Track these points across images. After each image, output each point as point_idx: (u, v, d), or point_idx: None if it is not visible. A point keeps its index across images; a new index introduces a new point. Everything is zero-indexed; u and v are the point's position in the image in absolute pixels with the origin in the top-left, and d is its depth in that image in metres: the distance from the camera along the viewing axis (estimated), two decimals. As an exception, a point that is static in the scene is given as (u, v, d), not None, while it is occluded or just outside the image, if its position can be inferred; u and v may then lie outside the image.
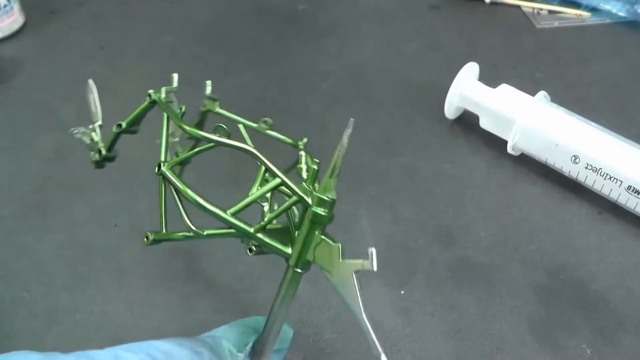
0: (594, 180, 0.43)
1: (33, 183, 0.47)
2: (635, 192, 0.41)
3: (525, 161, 0.47)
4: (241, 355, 0.27)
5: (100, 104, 0.33)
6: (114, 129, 0.31)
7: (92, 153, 0.33)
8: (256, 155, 0.25)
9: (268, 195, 0.28)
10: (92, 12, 0.69)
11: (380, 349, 0.24)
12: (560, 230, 0.43)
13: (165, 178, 0.26)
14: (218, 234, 0.26)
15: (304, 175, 0.31)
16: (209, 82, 0.34)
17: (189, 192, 0.25)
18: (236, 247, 0.42)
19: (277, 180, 0.25)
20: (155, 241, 0.26)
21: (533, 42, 0.62)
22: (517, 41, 0.62)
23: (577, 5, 0.66)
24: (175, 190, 0.26)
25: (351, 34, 0.64)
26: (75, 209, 0.45)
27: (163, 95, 0.30)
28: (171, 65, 0.61)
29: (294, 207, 0.26)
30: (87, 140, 0.33)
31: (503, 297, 0.38)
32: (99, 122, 0.33)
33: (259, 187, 0.27)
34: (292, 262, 0.26)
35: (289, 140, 0.33)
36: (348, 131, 0.26)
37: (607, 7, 0.65)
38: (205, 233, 0.26)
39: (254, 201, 0.26)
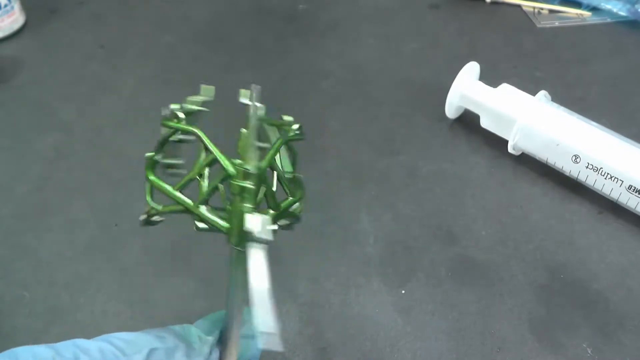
0: (595, 180, 0.43)
1: (33, 182, 0.47)
2: (635, 192, 0.41)
3: (525, 160, 0.47)
4: (210, 338, 0.27)
5: (99, 104, 0.32)
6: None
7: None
8: (196, 133, 0.26)
9: (206, 173, 0.27)
10: (93, 12, 0.69)
11: (271, 325, 0.22)
12: (560, 229, 0.43)
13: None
14: (169, 210, 0.27)
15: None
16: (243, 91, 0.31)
17: (147, 172, 0.27)
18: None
19: (211, 156, 0.26)
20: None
21: (533, 41, 0.62)
22: (518, 40, 0.62)
23: (578, 5, 0.66)
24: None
25: (351, 33, 0.64)
26: (76, 209, 0.45)
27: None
28: (171, 65, 0.61)
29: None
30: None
31: (503, 296, 0.38)
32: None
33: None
34: (232, 239, 0.25)
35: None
36: (254, 95, 0.29)
37: (608, 6, 0.65)
38: (162, 209, 0.28)
39: (193, 177, 0.26)
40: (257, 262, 0.23)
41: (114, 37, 0.65)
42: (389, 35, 0.64)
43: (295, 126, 0.29)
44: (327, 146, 0.50)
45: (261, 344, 0.22)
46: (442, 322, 0.37)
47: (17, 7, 0.65)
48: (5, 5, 0.63)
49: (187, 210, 0.27)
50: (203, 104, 0.31)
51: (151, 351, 0.25)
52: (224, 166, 0.25)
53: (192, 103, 0.30)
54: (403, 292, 0.39)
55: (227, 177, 0.25)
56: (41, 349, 0.23)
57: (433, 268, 0.40)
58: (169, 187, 0.27)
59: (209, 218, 0.26)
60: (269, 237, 0.24)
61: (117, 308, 0.39)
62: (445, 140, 0.50)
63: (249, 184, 0.25)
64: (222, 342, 0.28)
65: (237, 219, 0.25)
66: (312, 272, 0.40)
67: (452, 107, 0.50)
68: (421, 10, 0.68)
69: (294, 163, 0.30)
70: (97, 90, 0.57)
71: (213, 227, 0.26)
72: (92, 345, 0.24)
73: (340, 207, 0.45)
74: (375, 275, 0.40)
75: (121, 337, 0.25)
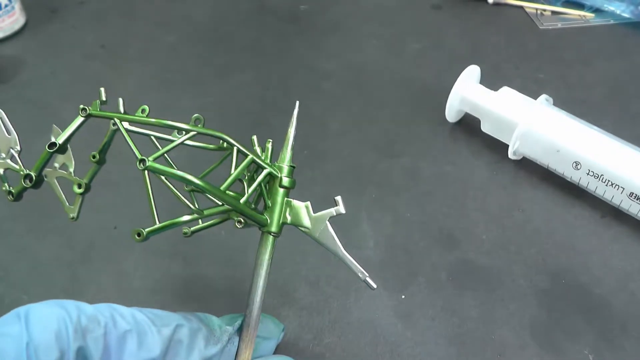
0: (596, 186, 0.43)
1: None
2: (637, 199, 0.41)
3: (526, 164, 0.47)
4: (230, 328, 0.29)
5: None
6: (48, 148, 0.30)
7: (4, 186, 0.31)
8: (227, 139, 0.28)
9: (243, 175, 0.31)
10: (93, 12, 0.69)
11: (364, 272, 0.30)
12: (562, 233, 0.42)
13: (152, 170, 0.26)
14: (214, 212, 0.28)
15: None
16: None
17: (179, 172, 0.26)
18: (236, 250, 0.42)
19: (250, 157, 0.29)
20: (151, 234, 0.27)
21: (536, 43, 0.62)
22: (520, 42, 0.62)
23: (581, 6, 0.66)
24: (165, 179, 0.27)
25: (352, 34, 0.64)
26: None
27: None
28: (172, 65, 0.60)
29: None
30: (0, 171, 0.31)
31: (505, 301, 0.38)
32: (17, 148, 0.32)
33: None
34: (273, 227, 0.29)
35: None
36: (296, 111, 0.34)
37: (611, 8, 0.64)
38: (205, 212, 0.28)
39: (237, 177, 0.28)
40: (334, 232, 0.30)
41: (115, 37, 0.65)
42: (390, 36, 0.63)
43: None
44: (328, 148, 0.50)
45: (370, 284, 0.30)
46: (443, 327, 0.37)
47: (17, 7, 0.64)
48: (6, 5, 0.63)
49: (230, 209, 0.28)
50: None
51: (177, 327, 0.27)
52: (269, 168, 0.29)
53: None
54: (403, 296, 0.39)
55: (268, 175, 0.29)
56: (84, 305, 0.25)
57: (434, 272, 0.40)
58: (212, 187, 0.27)
59: (252, 214, 0.28)
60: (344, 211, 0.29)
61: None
62: (446, 143, 0.50)
63: (292, 179, 0.30)
64: (240, 333, 0.29)
65: (282, 210, 0.30)
66: (311, 276, 0.40)
67: (453, 111, 0.50)
68: (423, 11, 0.67)
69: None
70: (97, 90, 0.57)
71: (250, 222, 0.29)
72: (127, 311, 0.26)
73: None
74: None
75: (152, 311, 0.27)
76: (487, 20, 0.65)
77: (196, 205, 0.28)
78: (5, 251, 0.42)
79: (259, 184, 0.29)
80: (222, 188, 0.27)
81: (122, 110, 0.30)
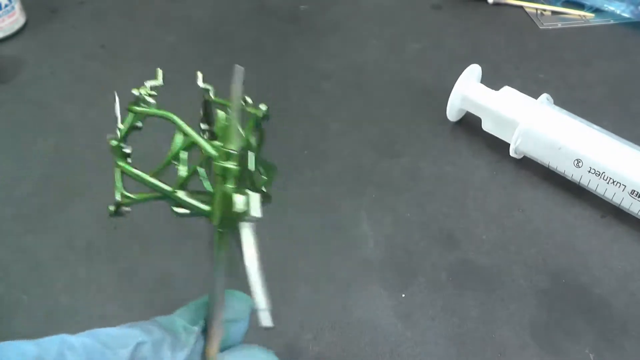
0: (597, 184, 0.43)
1: (33, 183, 0.47)
2: (638, 197, 0.41)
3: (527, 164, 0.47)
4: (196, 328, 0.27)
5: (100, 104, 0.32)
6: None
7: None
8: (171, 117, 0.26)
9: (184, 157, 0.27)
10: (93, 12, 0.69)
11: (263, 303, 0.24)
12: (562, 233, 0.42)
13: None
14: (144, 198, 0.26)
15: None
16: (199, 74, 0.31)
17: (118, 160, 0.26)
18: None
19: (189, 139, 0.26)
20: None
21: (536, 43, 0.61)
22: (520, 42, 0.62)
23: (581, 6, 0.66)
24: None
25: (353, 34, 0.64)
26: (75, 211, 0.45)
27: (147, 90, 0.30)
28: (172, 65, 0.60)
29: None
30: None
31: (505, 301, 0.38)
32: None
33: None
34: (214, 220, 0.25)
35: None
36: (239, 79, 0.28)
37: (611, 8, 0.64)
38: (135, 197, 0.26)
39: (169, 161, 0.26)
40: (249, 241, 0.24)
41: (115, 37, 0.65)
42: (390, 36, 0.63)
43: (264, 107, 0.29)
44: (328, 148, 0.50)
45: (262, 320, 0.23)
46: (443, 326, 0.37)
47: (17, 7, 0.64)
48: (6, 5, 0.63)
49: (164, 196, 0.26)
50: (157, 88, 0.30)
51: (138, 345, 0.24)
52: (205, 148, 0.25)
53: (151, 89, 0.30)
54: (403, 296, 0.39)
55: (205, 160, 0.26)
56: (27, 346, 0.23)
57: (434, 272, 0.40)
58: (143, 174, 0.26)
59: (188, 203, 0.25)
60: (259, 214, 0.24)
61: (115, 311, 0.38)
62: (447, 143, 0.50)
63: (232, 165, 0.24)
64: (206, 329, 0.27)
65: (220, 201, 0.24)
66: (311, 276, 0.40)
67: (454, 110, 0.50)
68: (423, 11, 0.67)
69: (260, 144, 0.29)
70: (97, 90, 0.57)
71: (193, 212, 0.26)
72: (77, 340, 0.24)
73: (340, 211, 0.44)
74: (376, 279, 0.40)
75: (107, 332, 0.25)
76: (487, 20, 0.65)
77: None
78: (5, 251, 0.42)
79: (194, 168, 0.26)
80: (150, 173, 0.25)
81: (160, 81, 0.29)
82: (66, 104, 0.55)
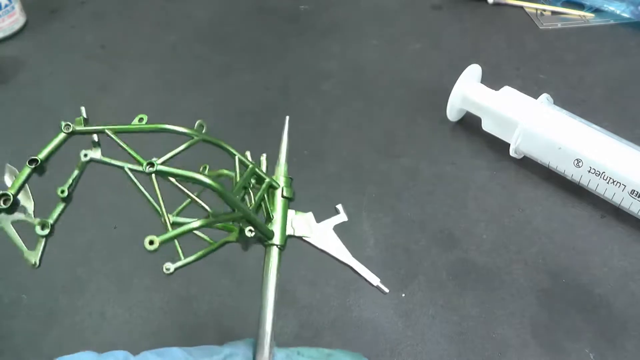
0: (597, 184, 0.43)
1: (32, 184, 0.47)
2: (638, 197, 0.41)
3: (527, 164, 0.47)
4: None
5: (100, 104, 0.32)
6: (28, 163, 0.27)
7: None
8: (227, 149, 0.28)
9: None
10: (93, 12, 0.69)
11: (376, 278, 0.32)
12: (562, 233, 0.42)
13: (161, 174, 0.24)
14: (228, 217, 0.26)
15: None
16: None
17: (190, 173, 0.24)
18: (235, 251, 0.42)
19: (251, 167, 0.28)
20: (165, 242, 0.25)
21: (536, 43, 0.61)
22: (520, 42, 0.62)
23: (581, 6, 0.66)
24: (177, 182, 0.25)
25: (353, 34, 0.64)
26: (75, 211, 0.45)
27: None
28: (172, 65, 0.60)
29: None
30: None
31: (505, 300, 0.38)
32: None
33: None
34: (279, 240, 0.29)
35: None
36: (286, 127, 0.33)
37: (611, 8, 0.64)
38: (220, 217, 0.25)
39: (243, 185, 0.28)
40: (333, 243, 0.31)
41: (115, 37, 0.65)
42: (390, 36, 0.63)
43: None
44: (328, 148, 0.50)
45: (384, 289, 0.33)
46: (444, 325, 0.37)
47: (17, 7, 0.64)
48: (6, 5, 0.63)
49: (241, 219, 0.27)
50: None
51: (225, 357, 0.26)
52: (269, 179, 0.29)
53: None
54: (403, 295, 0.39)
55: (269, 187, 0.29)
56: (119, 353, 0.24)
57: (434, 271, 0.40)
58: (231, 192, 0.26)
59: (262, 225, 0.27)
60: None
61: (115, 311, 0.38)
62: (447, 142, 0.50)
63: (292, 190, 0.30)
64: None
65: (283, 222, 0.29)
66: (311, 275, 0.40)
67: (454, 110, 0.50)
68: (423, 11, 0.67)
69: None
70: (97, 90, 0.57)
71: (258, 234, 0.28)
72: (164, 351, 0.25)
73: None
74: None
75: (190, 349, 0.26)
76: (487, 21, 0.65)
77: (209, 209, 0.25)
78: (5, 251, 0.42)
79: (262, 194, 0.28)
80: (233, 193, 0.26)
81: (84, 116, 0.28)
82: (66, 104, 0.55)
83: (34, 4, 0.68)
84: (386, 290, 0.33)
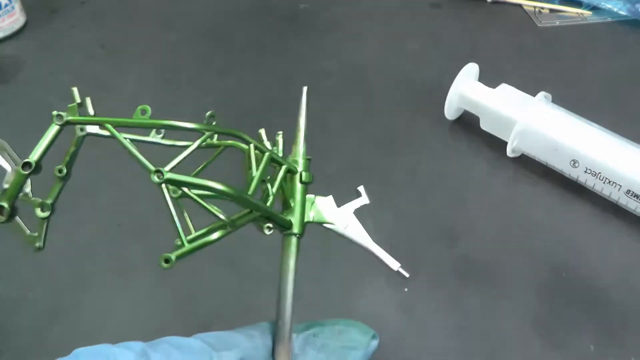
0: (594, 184, 0.43)
1: (35, 182, 0.47)
2: (634, 196, 0.41)
3: (526, 161, 0.47)
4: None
5: (101, 104, 0.31)
6: (22, 169, 0.25)
7: None
8: (243, 136, 0.26)
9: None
10: (93, 11, 0.69)
11: (397, 262, 0.32)
12: (561, 229, 0.43)
13: (172, 182, 0.23)
14: (246, 220, 0.25)
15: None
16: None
17: (202, 181, 0.23)
18: (239, 247, 0.42)
19: (268, 154, 0.26)
20: (180, 258, 0.24)
21: (535, 41, 0.62)
22: (519, 40, 0.62)
23: (579, 4, 0.66)
24: (187, 190, 0.24)
25: (352, 33, 0.64)
26: (79, 209, 0.45)
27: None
28: (172, 64, 0.61)
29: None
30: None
31: (506, 295, 0.39)
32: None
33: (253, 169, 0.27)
34: (297, 229, 0.27)
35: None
36: (304, 98, 0.30)
37: (608, 5, 0.65)
38: (237, 222, 0.24)
39: (261, 178, 0.25)
40: (355, 227, 0.30)
41: (115, 36, 0.65)
42: (390, 35, 0.64)
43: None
44: (328, 146, 0.50)
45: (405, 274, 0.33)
46: (446, 320, 0.37)
47: (17, 6, 0.64)
48: (6, 5, 0.63)
49: (260, 215, 0.25)
50: None
51: (243, 350, 0.25)
52: (286, 164, 0.27)
53: None
54: (406, 290, 0.39)
55: (287, 172, 0.27)
56: (134, 343, 0.24)
57: (436, 267, 0.40)
58: (246, 194, 0.24)
59: (278, 217, 0.26)
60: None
61: (119, 307, 0.39)
62: (446, 141, 0.51)
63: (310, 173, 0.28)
64: (274, 348, 0.27)
65: (301, 209, 0.27)
66: (314, 273, 0.40)
67: (452, 108, 0.50)
68: (422, 10, 0.68)
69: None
70: (98, 89, 0.57)
71: (276, 225, 0.27)
72: (183, 341, 0.24)
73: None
74: (378, 274, 0.40)
75: (214, 334, 0.25)
76: (485, 19, 0.65)
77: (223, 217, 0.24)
78: (10, 249, 0.42)
79: (280, 183, 0.26)
80: (249, 192, 0.24)
81: (78, 99, 0.26)
82: (66, 103, 0.55)
83: (34, 4, 0.68)
84: (406, 274, 0.33)
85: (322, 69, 0.59)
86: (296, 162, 0.28)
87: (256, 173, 0.25)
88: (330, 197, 0.28)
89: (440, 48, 0.62)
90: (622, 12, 0.64)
